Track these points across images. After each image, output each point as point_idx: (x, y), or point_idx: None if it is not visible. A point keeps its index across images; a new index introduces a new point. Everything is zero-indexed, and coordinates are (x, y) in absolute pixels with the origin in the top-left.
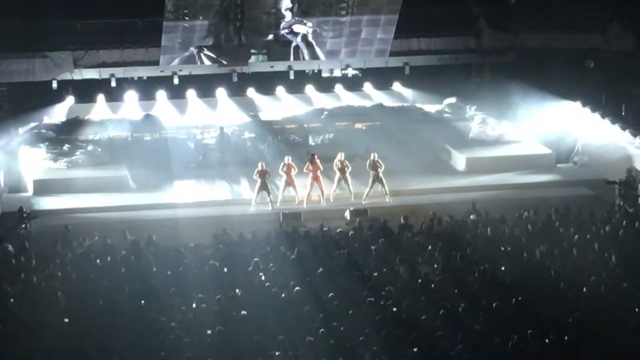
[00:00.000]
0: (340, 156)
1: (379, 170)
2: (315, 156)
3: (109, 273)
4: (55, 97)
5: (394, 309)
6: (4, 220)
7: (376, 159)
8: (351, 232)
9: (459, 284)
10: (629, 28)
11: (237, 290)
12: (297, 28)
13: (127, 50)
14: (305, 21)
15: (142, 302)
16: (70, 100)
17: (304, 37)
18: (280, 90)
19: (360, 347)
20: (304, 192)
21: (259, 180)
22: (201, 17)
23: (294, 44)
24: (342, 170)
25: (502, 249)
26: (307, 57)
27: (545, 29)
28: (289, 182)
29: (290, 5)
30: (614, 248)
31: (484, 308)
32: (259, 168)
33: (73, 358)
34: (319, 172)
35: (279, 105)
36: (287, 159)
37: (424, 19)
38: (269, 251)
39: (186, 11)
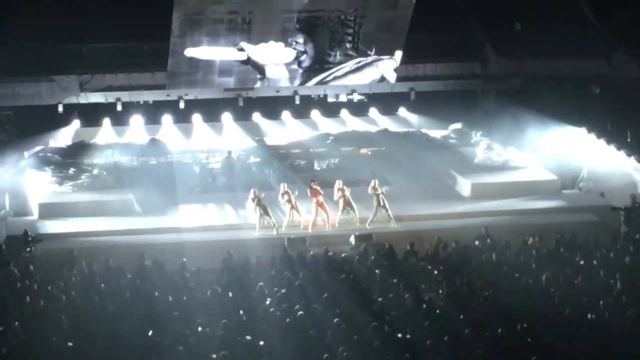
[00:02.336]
0: (339, 183)
1: (380, 196)
2: (314, 182)
3: (113, 297)
4: (61, 120)
5: (399, 335)
6: (9, 244)
7: (376, 185)
8: (356, 257)
9: (463, 310)
10: (634, 54)
11: (241, 315)
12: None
13: (133, 75)
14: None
15: (147, 326)
16: (76, 124)
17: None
18: (285, 115)
19: None
20: (308, 217)
21: (257, 207)
22: (207, 42)
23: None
24: (343, 196)
25: (507, 274)
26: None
27: (551, 55)
28: (293, 207)
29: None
30: (619, 274)
31: (488, 334)
32: (252, 195)
33: None
34: (320, 197)
35: (285, 130)
36: (284, 186)
37: (429, 44)
38: (273, 276)
39: (193, 36)
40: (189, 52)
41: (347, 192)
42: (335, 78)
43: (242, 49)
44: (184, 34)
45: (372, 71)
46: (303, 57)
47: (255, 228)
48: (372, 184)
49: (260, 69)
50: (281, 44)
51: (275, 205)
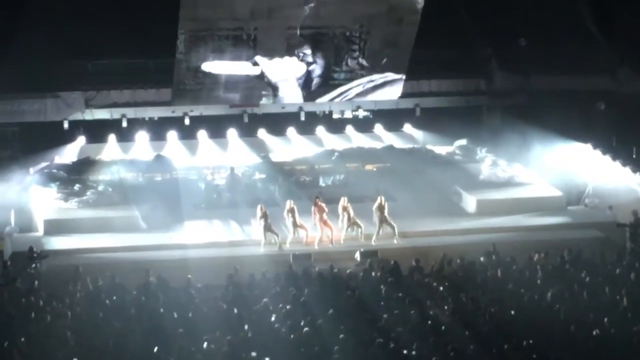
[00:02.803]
0: (343, 201)
1: (384, 212)
2: (319, 199)
3: (118, 313)
4: (67, 137)
5: (404, 351)
6: (15, 260)
7: (382, 202)
8: (361, 273)
9: (469, 326)
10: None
11: (247, 331)
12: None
13: (139, 91)
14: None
15: (152, 342)
16: (81, 140)
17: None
18: (291, 131)
19: None
20: (313, 233)
21: (262, 222)
22: (212, 58)
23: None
24: (348, 214)
25: (513, 291)
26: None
27: (556, 71)
28: (296, 224)
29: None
30: (625, 291)
31: (494, 350)
32: (259, 212)
33: None
34: (325, 214)
35: (290, 146)
36: (290, 203)
37: (434, 60)
38: (279, 292)
39: (198, 52)
40: (206, 66)
41: (351, 210)
42: (343, 98)
43: (256, 64)
44: (189, 50)
45: (383, 93)
46: (312, 67)
47: (261, 244)
48: (378, 200)
49: (273, 87)
50: (294, 59)
51: (281, 221)
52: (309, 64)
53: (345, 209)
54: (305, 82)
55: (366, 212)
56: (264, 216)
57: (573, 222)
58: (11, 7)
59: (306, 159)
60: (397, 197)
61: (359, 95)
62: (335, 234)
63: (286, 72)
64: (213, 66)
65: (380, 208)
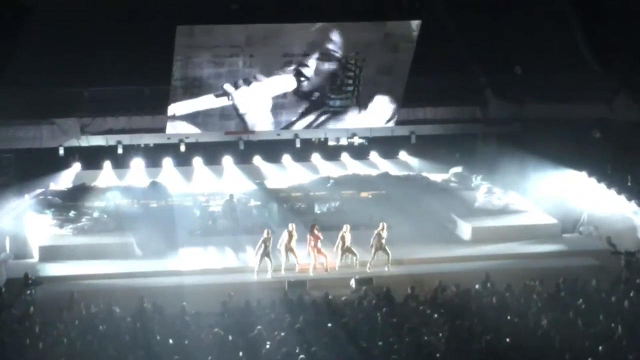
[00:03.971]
0: (345, 228)
1: (382, 240)
2: (316, 227)
3: (113, 340)
4: (62, 163)
5: None
6: (10, 287)
7: (383, 228)
8: (356, 300)
9: (464, 354)
10: (635, 99)
11: (241, 358)
12: None
13: (134, 118)
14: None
15: None
16: (76, 166)
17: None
18: (286, 158)
19: None
20: (305, 260)
21: (262, 247)
22: (207, 84)
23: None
24: (342, 241)
25: (508, 318)
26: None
27: (552, 99)
28: (289, 249)
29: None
30: (620, 319)
31: None
32: (265, 235)
33: None
34: (319, 242)
35: (285, 173)
36: (292, 226)
37: (430, 88)
38: (274, 319)
39: (193, 79)
40: (171, 109)
41: (348, 239)
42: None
43: (224, 94)
44: (185, 77)
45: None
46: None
47: (254, 271)
48: (380, 226)
49: (241, 117)
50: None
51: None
52: (304, 89)
53: (342, 237)
54: (298, 92)
55: (361, 240)
56: (267, 241)
57: (568, 250)
58: (8, 34)
59: (301, 186)
60: (393, 224)
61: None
62: (330, 261)
63: (259, 101)
64: (180, 108)
65: (379, 236)
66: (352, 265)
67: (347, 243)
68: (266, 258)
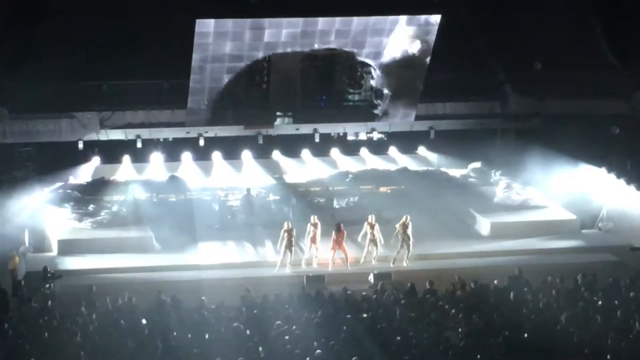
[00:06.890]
0: (371, 219)
1: (408, 232)
2: (342, 225)
3: (132, 334)
4: (81, 157)
5: None
6: (29, 280)
7: (407, 221)
8: (375, 295)
9: (482, 349)
10: None
11: (260, 352)
12: None
13: (153, 112)
14: None
15: None
16: (96, 160)
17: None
18: (305, 153)
19: None
20: (325, 254)
21: (285, 239)
22: (227, 79)
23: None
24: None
25: (527, 314)
26: None
27: (571, 95)
28: (313, 241)
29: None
30: (639, 315)
31: None
32: (286, 227)
33: None
34: (342, 239)
35: (304, 168)
36: (314, 218)
37: (449, 84)
38: (292, 314)
39: (212, 73)
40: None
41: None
42: None
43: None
44: (204, 71)
45: None
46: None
47: (277, 265)
48: (403, 219)
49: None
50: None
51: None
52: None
53: (371, 227)
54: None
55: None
56: (288, 233)
57: (587, 246)
58: (27, 28)
59: (320, 181)
60: (411, 219)
61: None
62: (351, 256)
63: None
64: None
65: (404, 227)
66: (371, 260)
67: (376, 234)
68: (287, 251)
